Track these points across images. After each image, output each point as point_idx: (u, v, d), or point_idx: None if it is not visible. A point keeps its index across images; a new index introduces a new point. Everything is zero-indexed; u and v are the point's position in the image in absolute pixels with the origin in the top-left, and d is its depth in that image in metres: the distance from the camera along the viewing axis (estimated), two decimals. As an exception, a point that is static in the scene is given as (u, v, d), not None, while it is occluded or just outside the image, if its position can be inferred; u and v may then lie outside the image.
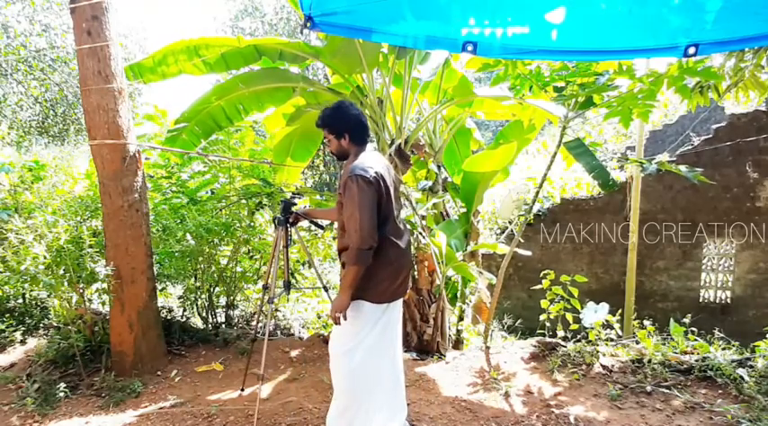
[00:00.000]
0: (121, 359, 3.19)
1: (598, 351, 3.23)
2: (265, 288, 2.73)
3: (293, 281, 4.51)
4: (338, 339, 2.02)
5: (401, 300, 2.19)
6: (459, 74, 4.07)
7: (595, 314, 3.49)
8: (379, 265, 1.95)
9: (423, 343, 3.60)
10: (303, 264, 4.58)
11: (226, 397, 2.93)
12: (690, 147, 6.10)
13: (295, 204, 2.63)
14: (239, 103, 3.82)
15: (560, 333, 3.61)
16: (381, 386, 2.05)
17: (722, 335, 3.51)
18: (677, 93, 2.69)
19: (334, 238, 4.50)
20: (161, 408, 2.79)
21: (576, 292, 3.51)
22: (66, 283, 3.03)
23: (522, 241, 3.98)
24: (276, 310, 4.60)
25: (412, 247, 3.54)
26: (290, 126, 4.03)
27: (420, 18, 1.93)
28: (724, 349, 3.14)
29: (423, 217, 3.64)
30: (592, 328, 3.46)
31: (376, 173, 1.92)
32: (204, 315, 4.22)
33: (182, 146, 3.78)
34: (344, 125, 2.04)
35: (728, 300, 5.92)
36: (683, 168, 3.10)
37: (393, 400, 2.13)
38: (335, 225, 3.23)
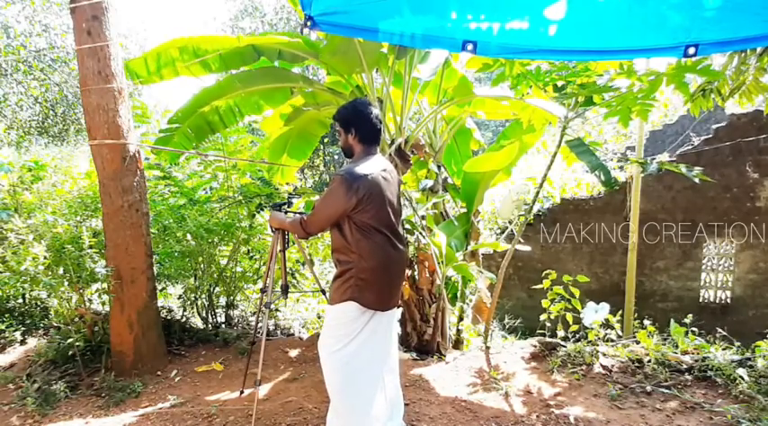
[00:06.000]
0: (121, 359, 3.19)
1: (598, 351, 3.22)
2: (263, 291, 2.73)
3: (293, 282, 4.51)
4: (325, 341, 2.02)
5: (394, 316, 2.17)
6: (459, 74, 4.06)
7: (596, 314, 3.49)
8: (372, 271, 1.93)
9: (423, 343, 3.60)
10: (303, 264, 4.58)
11: (226, 397, 2.93)
12: (690, 147, 6.10)
13: (291, 204, 2.62)
14: (235, 105, 3.75)
15: (560, 333, 3.61)
16: (374, 387, 2.04)
17: (725, 334, 3.50)
18: (677, 92, 2.69)
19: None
20: (161, 408, 2.79)
21: (576, 292, 3.51)
22: (66, 283, 3.03)
23: (521, 241, 3.98)
24: (276, 310, 4.60)
25: (412, 247, 3.56)
26: (287, 125, 4.01)
27: (420, 17, 1.93)
28: (725, 349, 3.14)
29: (423, 217, 3.63)
30: (592, 328, 3.46)
31: (366, 181, 1.89)
32: (204, 315, 4.22)
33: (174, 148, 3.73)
34: (354, 121, 2.04)
35: (728, 300, 5.92)
36: (682, 167, 3.10)
37: (389, 402, 2.12)
38: None
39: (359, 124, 2.04)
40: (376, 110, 2.07)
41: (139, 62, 3.36)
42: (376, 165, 1.99)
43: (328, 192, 1.93)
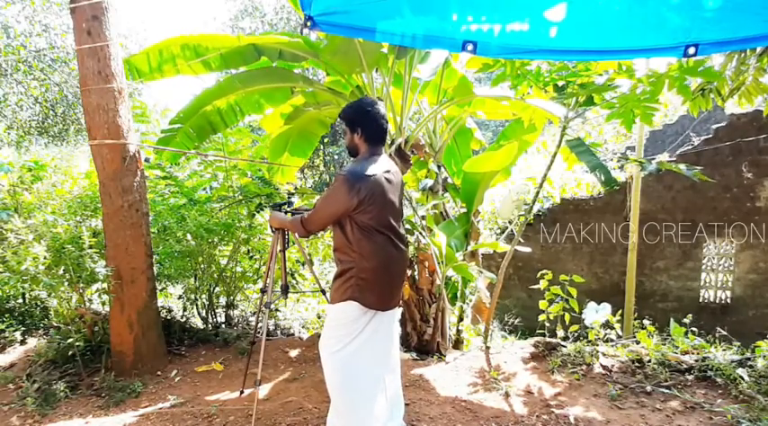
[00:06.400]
0: (121, 359, 3.19)
1: (598, 351, 3.22)
2: (263, 291, 2.73)
3: (293, 282, 4.51)
4: (326, 341, 2.02)
5: (395, 316, 2.17)
6: (459, 74, 4.06)
7: (597, 314, 3.49)
8: (373, 271, 1.93)
9: (423, 343, 3.60)
10: (303, 264, 4.57)
11: (226, 397, 2.93)
12: (690, 147, 6.10)
13: (292, 203, 2.62)
14: (236, 105, 3.76)
15: (560, 333, 3.61)
16: (374, 387, 2.03)
17: (725, 334, 3.51)
18: (678, 94, 2.69)
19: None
20: (161, 408, 2.79)
21: (575, 292, 3.51)
22: (66, 283, 3.02)
23: (521, 241, 3.99)
24: (276, 310, 4.60)
25: (412, 247, 3.56)
26: (287, 124, 4.01)
27: (420, 17, 1.93)
28: (725, 349, 3.14)
29: (423, 217, 3.63)
30: (592, 328, 3.47)
31: (368, 183, 1.89)
32: (204, 315, 4.22)
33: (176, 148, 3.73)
34: (359, 120, 2.03)
35: (728, 300, 5.92)
36: (682, 167, 3.10)
37: (389, 402, 2.12)
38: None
39: (364, 124, 2.03)
40: (383, 110, 2.06)
41: (141, 58, 3.34)
42: (380, 166, 1.98)
43: (330, 191, 1.93)
